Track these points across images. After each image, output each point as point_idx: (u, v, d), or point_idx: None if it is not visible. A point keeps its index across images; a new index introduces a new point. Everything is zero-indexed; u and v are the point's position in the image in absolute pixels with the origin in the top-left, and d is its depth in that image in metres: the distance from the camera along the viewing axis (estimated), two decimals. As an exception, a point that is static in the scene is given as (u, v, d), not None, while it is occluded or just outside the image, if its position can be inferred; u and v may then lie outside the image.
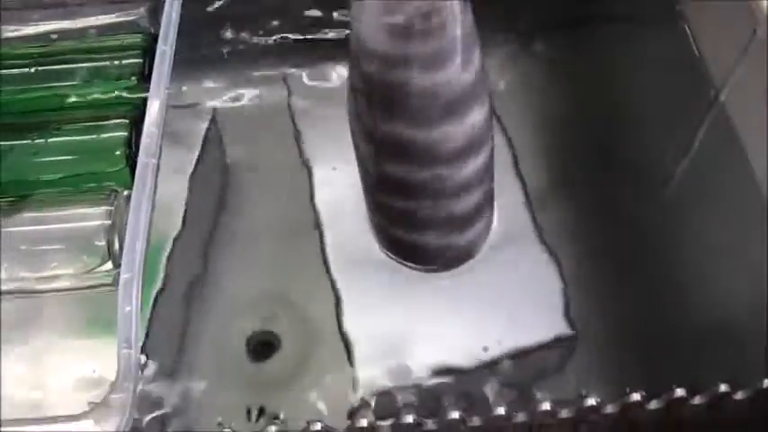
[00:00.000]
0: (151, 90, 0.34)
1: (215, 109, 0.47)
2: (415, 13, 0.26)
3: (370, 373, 0.38)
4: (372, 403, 0.37)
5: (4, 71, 0.38)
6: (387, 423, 0.33)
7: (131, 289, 0.29)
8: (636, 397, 0.26)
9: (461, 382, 0.37)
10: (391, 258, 0.40)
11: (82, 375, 0.36)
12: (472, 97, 0.30)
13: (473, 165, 0.33)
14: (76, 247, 0.33)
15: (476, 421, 0.29)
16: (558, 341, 0.38)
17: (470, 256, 0.40)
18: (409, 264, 0.40)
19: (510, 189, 0.42)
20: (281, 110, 0.47)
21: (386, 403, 0.37)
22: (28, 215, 0.34)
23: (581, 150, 0.44)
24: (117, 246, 0.32)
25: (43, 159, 0.35)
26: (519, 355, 0.37)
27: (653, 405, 0.27)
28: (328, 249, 0.42)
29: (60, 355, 0.35)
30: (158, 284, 0.38)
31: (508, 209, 0.42)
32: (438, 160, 0.32)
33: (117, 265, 0.32)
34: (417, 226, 0.36)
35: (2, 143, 0.35)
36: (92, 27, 0.39)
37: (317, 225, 0.42)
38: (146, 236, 0.30)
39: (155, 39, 0.37)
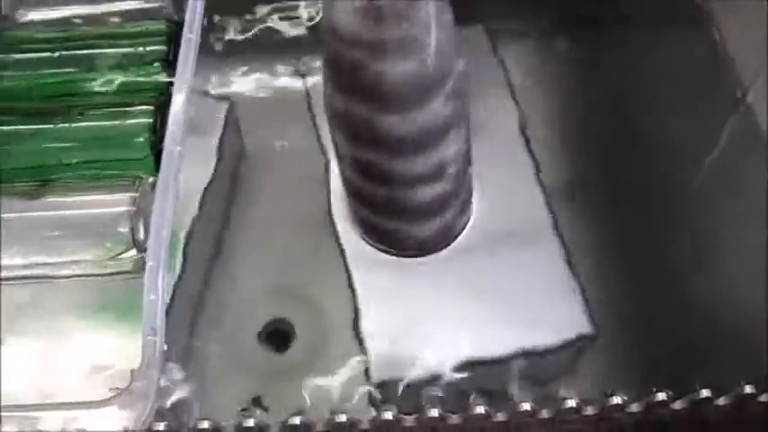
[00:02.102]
0: (177, 77, 0.33)
1: (233, 96, 0.47)
2: None
3: (387, 365, 0.38)
4: (399, 392, 0.37)
5: (25, 55, 0.37)
6: (411, 416, 0.33)
7: (156, 277, 0.29)
8: (661, 396, 0.26)
9: (482, 378, 0.37)
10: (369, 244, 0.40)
11: (94, 362, 0.35)
12: (438, 91, 0.30)
13: (437, 155, 0.33)
14: (99, 234, 0.33)
15: (500, 417, 0.29)
16: (578, 340, 0.38)
17: (448, 241, 0.40)
18: (378, 246, 0.40)
19: (529, 186, 0.42)
20: (298, 98, 0.47)
21: (409, 396, 0.37)
22: (51, 200, 0.33)
23: (602, 148, 0.44)
24: (141, 233, 0.32)
25: (66, 145, 0.34)
26: (540, 353, 0.38)
27: (678, 405, 0.27)
28: (343, 239, 0.42)
29: (75, 341, 0.35)
30: (177, 273, 0.38)
31: (527, 206, 0.42)
32: (401, 148, 0.32)
33: (140, 252, 0.32)
34: (387, 211, 0.37)
35: (25, 127, 0.35)
36: (115, 13, 0.39)
37: (332, 215, 0.42)
38: (170, 224, 0.30)
39: (178, 26, 0.37)
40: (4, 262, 0.32)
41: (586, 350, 0.39)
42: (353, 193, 0.38)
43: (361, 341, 0.39)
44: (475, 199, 0.41)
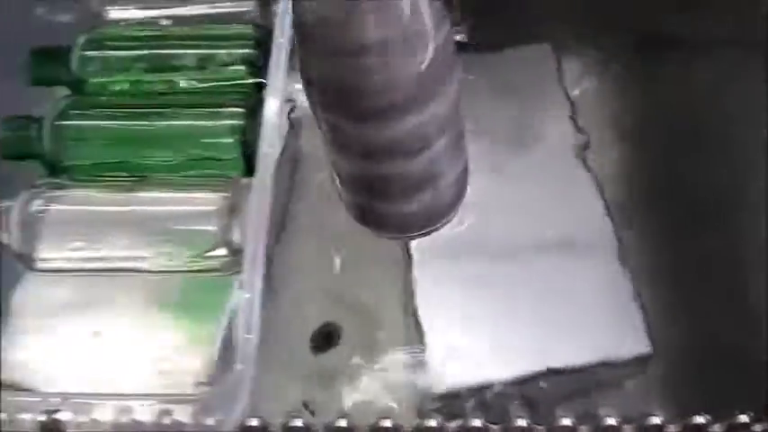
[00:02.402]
0: (270, 81, 0.34)
1: (294, 98, 0.48)
2: None
3: (442, 374, 0.38)
4: (440, 403, 0.38)
5: (114, 53, 0.38)
6: (454, 424, 0.34)
7: (254, 276, 0.30)
8: (700, 419, 0.27)
9: (526, 389, 0.38)
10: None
11: (170, 357, 0.36)
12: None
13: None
14: (190, 230, 0.34)
15: (540, 430, 0.29)
16: (632, 358, 0.38)
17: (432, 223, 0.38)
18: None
19: (589, 199, 0.43)
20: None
21: (453, 404, 0.38)
22: (144, 195, 0.34)
23: (660, 166, 0.45)
24: (232, 232, 0.33)
25: (161, 142, 0.35)
26: (588, 368, 0.38)
27: (716, 429, 0.27)
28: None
29: (156, 335, 0.36)
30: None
31: (587, 219, 0.42)
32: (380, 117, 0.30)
33: (230, 252, 0.33)
34: (364, 188, 0.35)
35: (120, 123, 0.35)
36: (202, 15, 0.40)
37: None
38: (267, 224, 0.31)
39: (264, 30, 0.38)
40: (98, 254, 0.33)
41: (640, 368, 0.39)
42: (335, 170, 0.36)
43: (415, 349, 0.39)
44: (535, 210, 0.41)
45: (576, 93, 0.47)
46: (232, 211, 0.33)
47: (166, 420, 0.29)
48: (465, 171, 0.37)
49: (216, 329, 0.33)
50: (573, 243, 0.41)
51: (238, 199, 0.33)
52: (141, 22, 0.39)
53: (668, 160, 0.45)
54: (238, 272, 0.32)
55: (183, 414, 0.29)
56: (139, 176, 0.35)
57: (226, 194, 0.33)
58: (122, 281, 0.34)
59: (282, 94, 0.34)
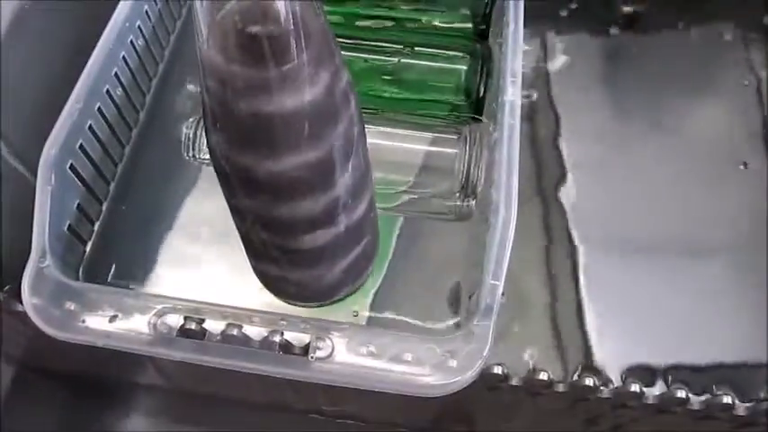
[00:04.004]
0: (510, 30, 0.34)
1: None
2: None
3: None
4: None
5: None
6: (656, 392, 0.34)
7: (509, 224, 0.30)
8: None
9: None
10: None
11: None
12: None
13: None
14: (430, 170, 0.33)
15: (741, 410, 0.29)
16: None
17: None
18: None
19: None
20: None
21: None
22: (379, 129, 0.34)
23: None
24: (471, 177, 0.33)
25: (396, 78, 0.35)
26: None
27: None
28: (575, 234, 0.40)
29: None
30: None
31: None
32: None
33: (468, 197, 0.33)
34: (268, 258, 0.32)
35: (360, 56, 0.35)
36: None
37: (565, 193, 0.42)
38: (517, 172, 0.31)
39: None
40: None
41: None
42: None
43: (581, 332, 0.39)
44: (675, 210, 0.41)
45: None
46: (470, 155, 0.32)
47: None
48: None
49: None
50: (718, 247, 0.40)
51: (476, 144, 0.32)
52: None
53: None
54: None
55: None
56: (373, 110, 0.35)
57: (465, 136, 0.33)
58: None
59: (521, 43, 0.34)
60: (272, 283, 0.33)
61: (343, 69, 0.25)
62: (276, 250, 0.30)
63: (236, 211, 0.29)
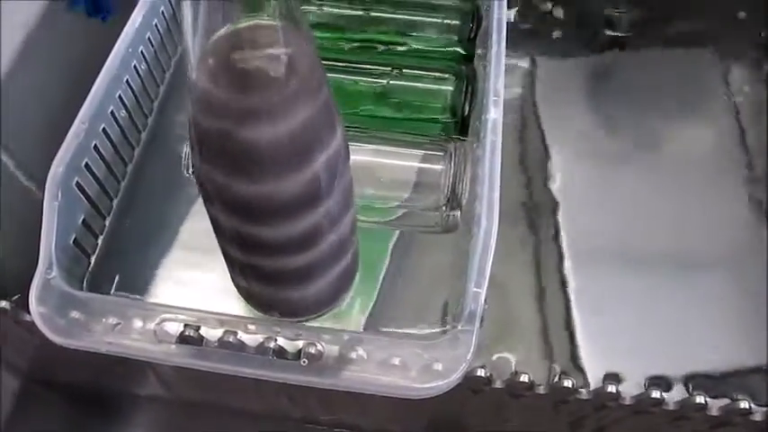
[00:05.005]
0: (493, 52, 0.36)
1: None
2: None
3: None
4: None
5: (337, 9, 0.39)
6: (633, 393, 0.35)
7: (490, 234, 0.31)
8: None
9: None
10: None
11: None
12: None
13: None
14: (419, 186, 0.35)
15: (758, 416, 0.30)
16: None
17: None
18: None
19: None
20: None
21: None
22: (372, 147, 0.35)
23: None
24: (457, 192, 0.34)
25: (386, 99, 0.37)
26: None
27: None
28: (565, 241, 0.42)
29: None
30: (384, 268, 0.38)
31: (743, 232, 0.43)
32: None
33: (452, 208, 0.34)
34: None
35: (351, 78, 0.37)
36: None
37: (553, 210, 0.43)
38: (498, 186, 0.32)
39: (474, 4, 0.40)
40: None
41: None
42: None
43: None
44: (685, 219, 0.42)
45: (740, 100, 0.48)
46: (455, 171, 0.34)
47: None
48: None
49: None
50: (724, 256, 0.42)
51: (460, 160, 0.34)
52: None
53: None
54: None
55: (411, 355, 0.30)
56: (360, 130, 0.36)
57: (450, 153, 0.35)
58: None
59: (503, 64, 0.35)
60: (251, 299, 0.35)
61: (329, 97, 0.26)
62: (252, 270, 0.31)
63: (216, 227, 0.30)
